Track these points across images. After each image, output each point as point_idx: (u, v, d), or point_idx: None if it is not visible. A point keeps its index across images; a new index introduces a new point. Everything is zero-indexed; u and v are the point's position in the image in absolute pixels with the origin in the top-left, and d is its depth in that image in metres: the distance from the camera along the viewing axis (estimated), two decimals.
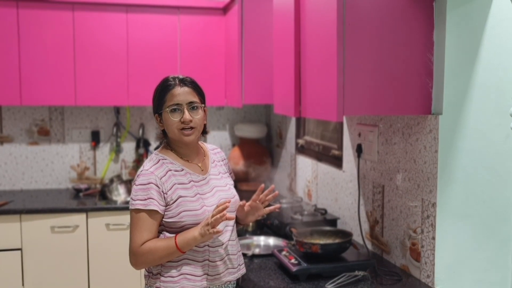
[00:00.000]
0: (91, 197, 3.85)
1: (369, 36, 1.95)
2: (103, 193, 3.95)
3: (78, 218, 3.55)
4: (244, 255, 2.51)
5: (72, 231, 3.54)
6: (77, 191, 3.95)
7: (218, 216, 1.80)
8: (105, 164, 4.22)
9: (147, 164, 1.94)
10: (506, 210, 2.02)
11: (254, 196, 2.09)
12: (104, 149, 4.22)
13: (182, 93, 1.93)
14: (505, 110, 1.92)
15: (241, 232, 2.83)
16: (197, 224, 1.88)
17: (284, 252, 2.37)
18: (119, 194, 4.02)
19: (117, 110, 4.20)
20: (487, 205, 2.05)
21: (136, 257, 1.89)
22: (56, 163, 4.14)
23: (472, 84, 1.99)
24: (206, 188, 1.97)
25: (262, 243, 2.76)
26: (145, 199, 1.87)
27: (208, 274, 1.93)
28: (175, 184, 1.92)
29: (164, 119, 1.96)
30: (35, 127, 4.09)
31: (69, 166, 4.14)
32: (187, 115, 1.92)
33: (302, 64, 2.32)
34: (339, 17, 1.91)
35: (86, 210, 3.57)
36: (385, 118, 2.41)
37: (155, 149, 2.08)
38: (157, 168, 1.92)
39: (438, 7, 2.00)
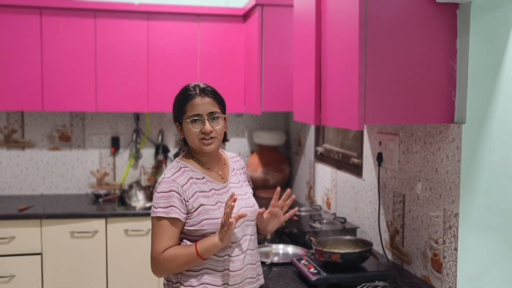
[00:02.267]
0: (110, 203, 3.88)
1: (391, 43, 1.93)
2: (122, 199, 3.97)
3: (97, 224, 3.57)
4: (263, 263, 2.50)
5: (91, 236, 3.56)
6: (97, 196, 3.98)
7: (227, 210, 1.79)
8: (124, 170, 4.24)
9: (168, 172, 1.95)
10: None
11: (272, 202, 2.09)
12: (124, 155, 4.25)
13: (202, 104, 1.93)
14: None
15: (260, 240, 2.81)
16: None
17: (303, 261, 2.35)
18: (138, 200, 4.04)
19: (137, 117, 4.23)
20: (510, 217, 2.01)
21: (157, 264, 1.89)
22: (76, 169, 4.18)
23: (496, 93, 1.96)
24: (227, 197, 1.95)
25: (281, 251, 2.75)
26: (167, 207, 1.87)
27: (228, 284, 1.92)
28: (197, 192, 1.92)
29: (184, 128, 1.96)
30: (56, 133, 4.13)
31: (89, 172, 4.18)
32: (207, 126, 1.92)
33: (323, 71, 2.31)
34: (361, 25, 1.90)
35: (105, 216, 3.59)
36: (406, 126, 2.39)
37: (175, 155, 2.08)
38: (179, 176, 1.92)
39: (462, 15, 1.97)
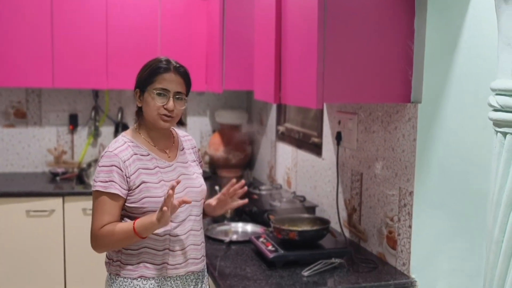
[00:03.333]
0: (68, 181, 3.80)
1: (350, 23, 1.93)
2: (81, 177, 3.90)
3: (55, 203, 3.50)
4: (221, 241, 2.50)
5: (48, 215, 3.50)
6: (54, 175, 3.89)
7: (167, 195, 1.74)
8: (83, 148, 4.16)
9: (112, 146, 1.90)
10: (481, 200, 2.02)
11: (224, 190, 2.06)
12: (82, 133, 4.16)
13: (174, 81, 1.89)
14: (484, 100, 1.91)
15: (219, 218, 2.81)
16: None
17: (261, 239, 2.36)
18: None
19: (96, 94, 4.13)
20: (463, 195, 2.06)
21: (95, 240, 1.86)
22: (33, 146, 4.07)
23: (452, 73, 1.99)
24: (172, 175, 1.92)
25: (240, 229, 2.75)
26: (107, 181, 1.83)
27: (167, 263, 1.90)
28: (140, 168, 1.88)
29: (145, 98, 1.91)
30: (11, 109, 4.01)
31: (46, 150, 4.08)
32: (171, 103, 1.88)
33: (283, 50, 2.29)
34: (320, 4, 1.89)
35: (62, 194, 3.53)
36: (364, 106, 2.41)
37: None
38: (122, 150, 1.88)
39: None
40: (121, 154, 1.87)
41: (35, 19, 3.63)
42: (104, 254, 2.00)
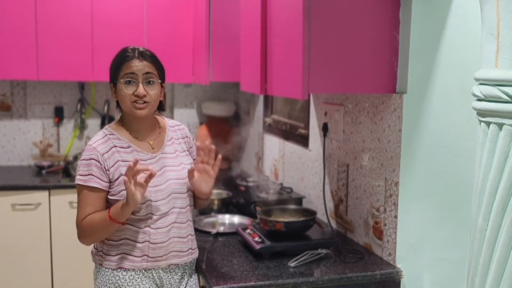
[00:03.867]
0: (54, 175, 3.77)
1: (335, 13, 1.93)
2: (67, 170, 3.86)
3: (41, 196, 3.47)
4: (208, 233, 2.50)
5: (34, 208, 3.47)
6: (40, 168, 3.86)
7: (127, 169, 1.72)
8: (69, 141, 4.12)
9: (93, 139, 1.91)
10: (466, 190, 2.04)
11: (197, 158, 1.97)
12: (68, 126, 4.13)
13: (140, 66, 1.87)
14: (469, 90, 1.92)
15: (207, 210, 2.81)
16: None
17: (248, 230, 2.36)
18: None
19: (82, 86, 4.10)
20: (448, 185, 2.08)
21: (79, 231, 1.89)
22: (18, 139, 4.03)
23: (437, 63, 1.99)
24: (154, 167, 1.87)
25: (227, 221, 2.75)
26: (86, 175, 1.85)
27: (147, 256, 1.90)
28: (118, 161, 1.87)
29: (118, 90, 1.89)
30: None
31: (32, 143, 4.04)
32: (141, 88, 1.85)
33: (269, 41, 2.28)
34: None
35: (48, 188, 3.50)
36: (351, 97, 2.41)
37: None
38: (102, 143, 1.88)
39: None
40: (99, 147, 1.86)
41: (19, 11, 3.57)
42: (90, 247, 2.00)
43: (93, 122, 4.16)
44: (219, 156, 1.99)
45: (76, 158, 3.97)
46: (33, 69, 3.64)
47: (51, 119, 4.08)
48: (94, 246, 1.99)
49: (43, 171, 3.82)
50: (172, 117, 4.24)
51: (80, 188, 1.87)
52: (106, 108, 4.10)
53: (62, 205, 3.50)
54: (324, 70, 1.94)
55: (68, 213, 3.47)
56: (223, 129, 4.16)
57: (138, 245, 1.89)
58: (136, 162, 1.73)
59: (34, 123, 4.05)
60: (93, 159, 1.85)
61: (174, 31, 3.87)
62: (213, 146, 1.96)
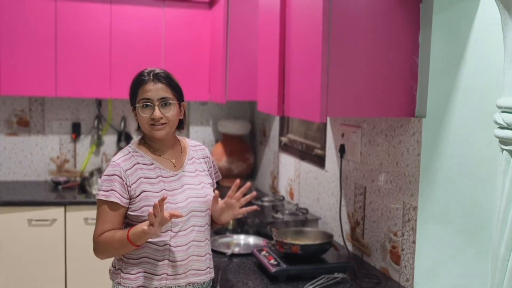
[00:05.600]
0: (70, 190, 3.79)
1: (355, 36, 1.92)
2: (83, 186, 3.88)
3: (56, 212, 3.49)
4: (223, 254, 2.48)
5: (50, 224, 3.48)
6: (56, 183, 3.89)
7: (153, 210, 1.74)
8: (85, 157, 4.15)
9: (117, 155, 1.95)
10: (486, 215, 2.00)
11: (229, 193, 2.03)
12: (85, 142, 4.16)
13: (154, 89, 1.90)
14: (489, 115, 1.90)
15: (221, 230, 2.80)
16: None
17: (263, 252, 2.34)
18: None
19: (99, 103, 4.13)
20: (467, 210, 2.04)
21: (95, 246, 1.92)
22: (35, 155, 4.07)
23: (457, 88, 1.97)
24: (175, 185, 1.93)
25: (242, 242, 2.74)
26: (108, 190, 1.87)
27: (167, 274, 1.91)
28: (141, 177, 1.90)
29: (137, 113, 1.94)
30: (15, 118, 4.01)
31: (49, 158, 4.07)
32: (157, 112, 1.89)
33: (287, 62, 2.29)
34: (325, 16, 1.88)
35: (64, 204, 3.51)
36: (368, 119, 2.39)
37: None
38: (125, 160, 1.91)
39: (425, 9, 1.98)
40: (123, 164, 1.90)
41: (39, 28, 3.63)
42: (105, 263, 2.01)
43: (109, 139, 4.19)
44: (254, 207, 2.08)
45: (92, 174, 4.00)
46: (51, 85, 3.68)
47: (68, 135, 4.11)
48: (112, 264, 2.00)
49: (59, 187, 3.85)
50: (188, 135, 4.25)
51: (101, 203, 1.89)
52: (122, 124, 4.13)
53: (78, 221, 3.51)
54: (343, 94, 1.93)
55: (83, 229, 3.49)
56: (238, 147, 4.16)
57: (158, 263, 1.90)
58: (163, 199, 1.76)
59: (51, 138, 4.09)
60: (116, 175, 1.88)
61: (191, 49, 3.89)
62: (254, 193, 2.06)
